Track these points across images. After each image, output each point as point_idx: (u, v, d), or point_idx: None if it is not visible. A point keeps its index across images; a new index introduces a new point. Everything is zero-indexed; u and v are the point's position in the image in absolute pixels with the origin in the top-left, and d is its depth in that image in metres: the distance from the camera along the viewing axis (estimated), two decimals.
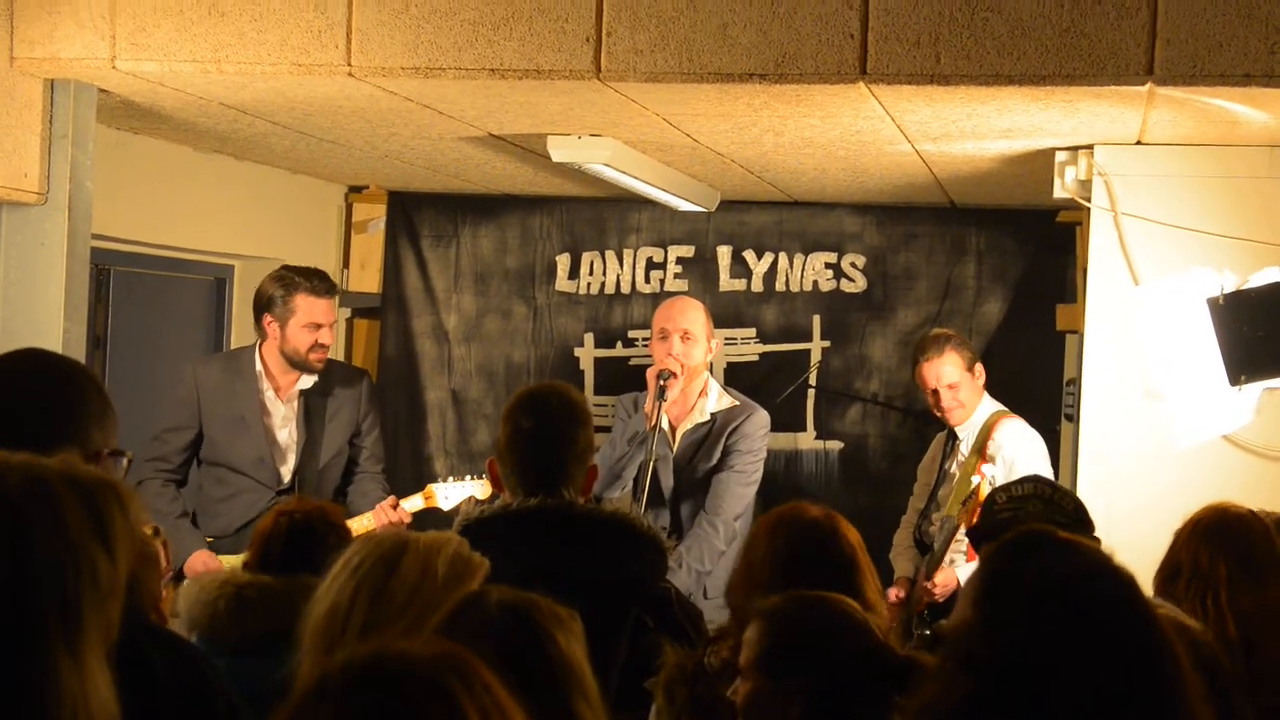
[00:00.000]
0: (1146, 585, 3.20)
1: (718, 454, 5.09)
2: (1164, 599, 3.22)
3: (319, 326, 5.11)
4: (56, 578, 1.60)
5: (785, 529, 2.94)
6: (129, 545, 1.70)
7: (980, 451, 5.08)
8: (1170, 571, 3.31)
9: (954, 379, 5.18)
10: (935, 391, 5.22)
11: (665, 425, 5.10)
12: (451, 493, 5.17)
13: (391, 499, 5.05)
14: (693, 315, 5.18)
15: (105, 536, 1.66)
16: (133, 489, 1.82)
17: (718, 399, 5.18)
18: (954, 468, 5.23)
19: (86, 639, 1.61)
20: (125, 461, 2.32)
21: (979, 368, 5.26)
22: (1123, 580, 1.97)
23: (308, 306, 5.09)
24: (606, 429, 6.65)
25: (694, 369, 5.12)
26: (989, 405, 5.26)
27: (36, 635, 1.57)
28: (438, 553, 2.37)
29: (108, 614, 1.64)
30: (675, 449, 5.13)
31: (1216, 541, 3.27)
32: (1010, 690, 1.85)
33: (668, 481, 5.11)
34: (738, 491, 5.02)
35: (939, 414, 5.29)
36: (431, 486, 5.19)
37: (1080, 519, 3.37)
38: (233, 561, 4.82)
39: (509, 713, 1.48)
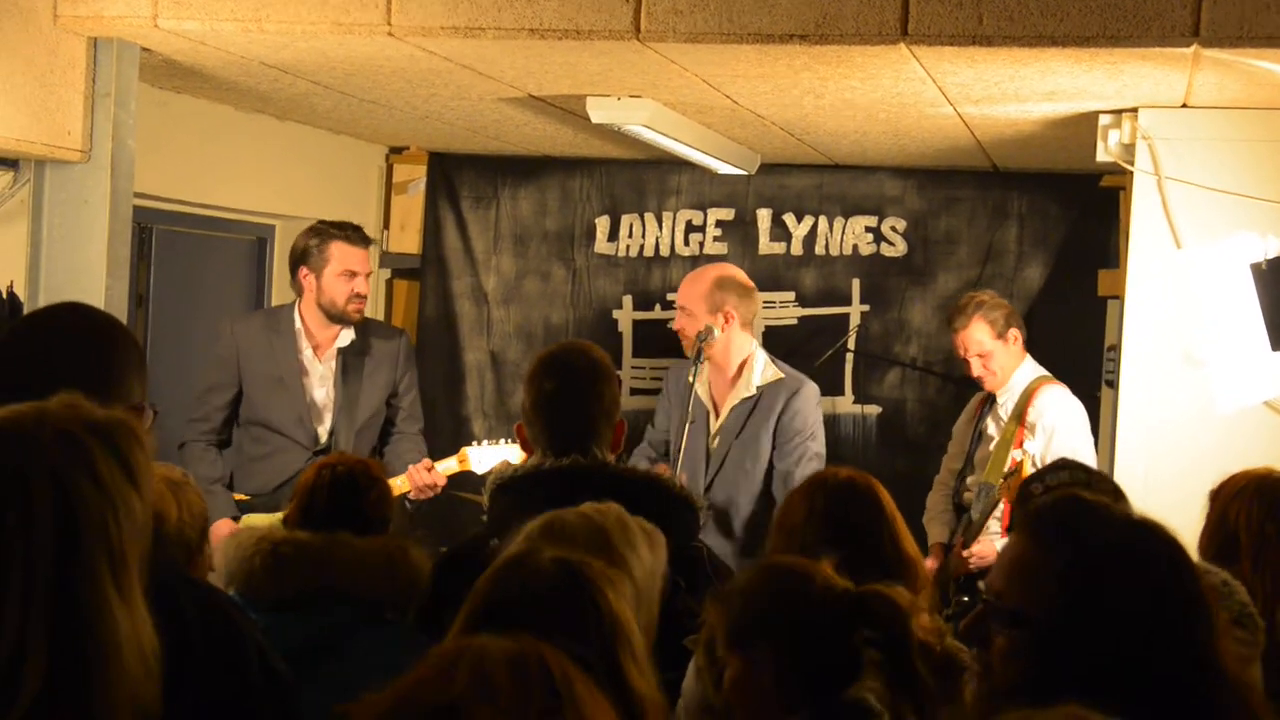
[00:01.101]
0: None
1: (764, 431, 5.01)
2: (1217, 565, 3.16)
3: (354, 275, 5.10)
4: (101, 526, 1.65)
5: (822, 492, 2.95)
6: (150, 479, 1.76)
7: (1020, 418, 5.06)
8: (1222, 538, 3.22)
9: (984, 347, 5.16)
10: (967, 361, 5.22)
11: (705, 396, 5.08)
12: (486, 456, 5.15)
13: (426, 461, 5.06)
14: (687, 288, 5.14)
15: (133, 477, 1.71)
16: (144, 425, 1.86)
17: (763, 371, 5.11)
18: (992, 429, 5.21)
19: (131, 579, 1.67)
20: (153, 414, 2.34)
21: (1014, 332, 5.21)
22: (1173, 541, 1.97)
23: (342, 254, 5.09)
24: (643, 391, 6.69)
25: (689, 338, 5.06)
26: (1031, 369, 5.23)
27: (93, 584, 1.63)
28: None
29: (142, 550, 1.70)
30: (720, 422, 5.09)
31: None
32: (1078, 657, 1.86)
33: (702, 452, 5.09)
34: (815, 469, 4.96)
35: (978, 381, 5.28)
36: (465, 450, 5.17)
37: (1119, 499, 3.32)
38: (269, 520, 4.86)
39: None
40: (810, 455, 4.99)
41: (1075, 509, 2.01)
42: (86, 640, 1.61)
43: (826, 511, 2.91)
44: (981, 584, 2.02)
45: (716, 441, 5.08)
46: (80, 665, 1.60)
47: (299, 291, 5.19)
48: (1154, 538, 1.96)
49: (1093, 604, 1.88)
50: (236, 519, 4.97)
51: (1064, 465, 3.63)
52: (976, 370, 5.20)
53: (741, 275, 5.22)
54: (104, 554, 1.64)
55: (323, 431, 5.16)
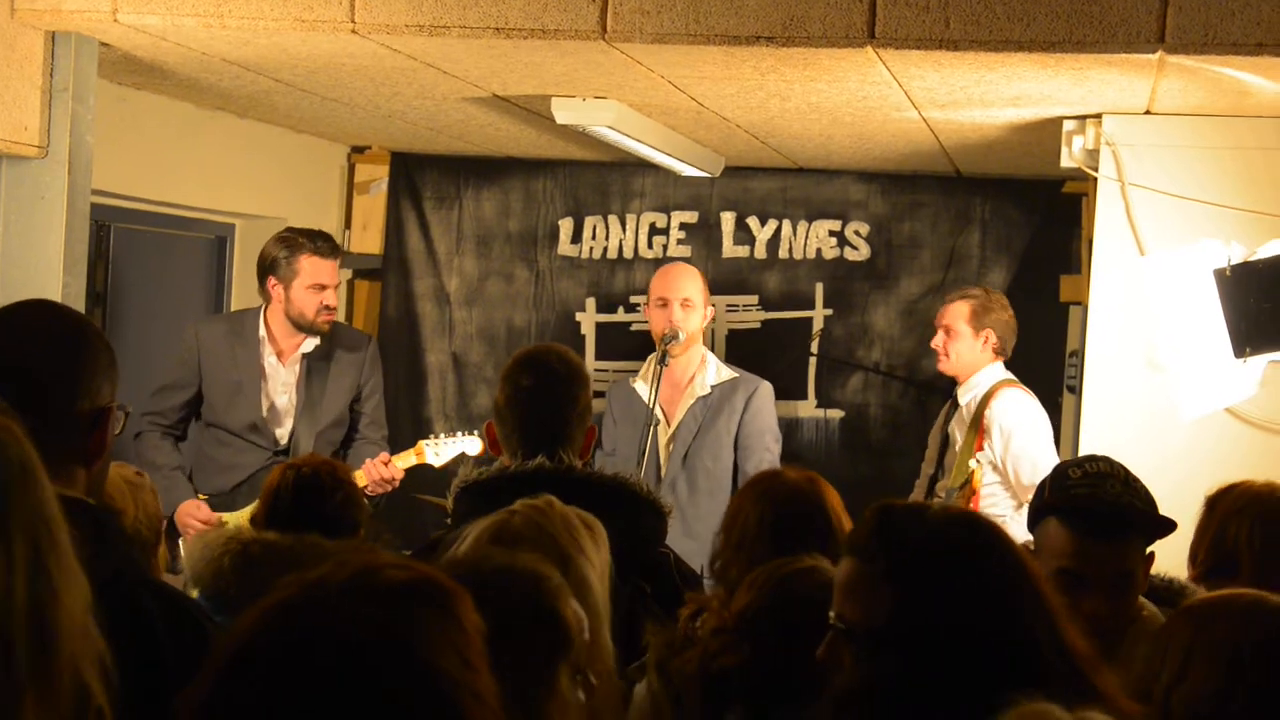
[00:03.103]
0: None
1: (724, 430, 5.06)
2: (1214, 579, 3.08)
3: (323, 288, 5.08)
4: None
5: (769, 496, 2.94)
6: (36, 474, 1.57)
7: (977, 424, 5.08)
8: (1221, 554, 3.14)
9: (955, 327, 5.25)
10: (936, 333, 5.29)
11: (661, 407, 5.09)
12: (442, 450, 5.14)
13: (384, 455, 5.03)
14: (691, 282, 5.17)
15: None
16: (115, 427, 1.79)
17: (716, 372, 5.16)
18: (956, 433, 5.23)
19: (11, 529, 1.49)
20: (124, 415, 2.31)
21: (989, 334, 5.24)
22: None
23: (312, 267, 5.06)
24: (601, 394, 6.68)
25: (691, 335, 5.11)
26: (996, 373, 5.25)
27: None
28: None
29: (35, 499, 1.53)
30: (674, 424, 5.12)
31: None
32: None
33: (663, 456, 5.10)
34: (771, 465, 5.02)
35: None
36: (421, 443, 5.16)
37: (1153, 504, 3.21)
38: (234, 518, 4.82)
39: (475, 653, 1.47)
40: (773, 457, 5.05)
41: (886, 519, 2.06)
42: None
43: (773, 516, 2.89)
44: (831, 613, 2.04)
45: (673, 446, 5.10)
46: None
47: (266, 299, 5.15)
48: (965, 529, 2.02)
49: (920, 604, 1.92)
50: (199, 498, 4.94)
51: (1100, 457, 3.51)
52: (936, 342, 5.31)
53: None
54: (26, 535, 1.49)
55: (282, 435, 5.13)
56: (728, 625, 2.45)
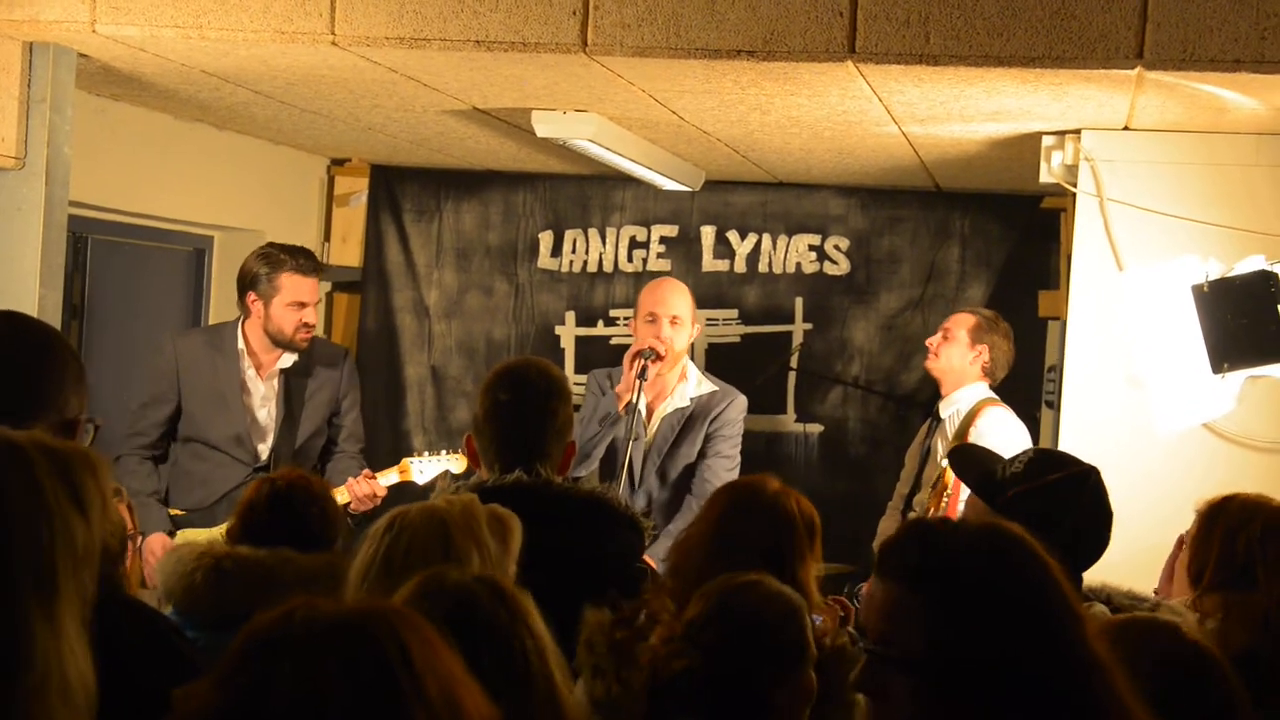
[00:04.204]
0: (1128, 575, 3.17)
1: (698, 438, 5.09)
2: (1222, 593, 3.05)
3: (304, 305, 5.07)
4: (32, 541, 1.56)
5: (745, 502, 2.97)
6: (101, 511, 1.67)
7: (962, 437, 5.08)
8: (1233, 569, 3.10)
9: (954, 332, 5.28)
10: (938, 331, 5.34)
11: (642, 407, 5.07)
12: (427, 467, 5.16)
13: (367, 471, 5.04)
14: (681, 300, 5.16)
15: (79, 501, 1.62)
16: (102, 456, 1.78)
17: (697, 384, 5.18)
18: (939, 445, 5.24)
19: (63, 605, 1.56)
20: (93, 429, 2.29)
21: (983, 352, 5.25)
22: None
23: (293, 285, 5.05)
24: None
25: (677, 354, 5.11)
26: (980, 391, 5.25)
27: (10, 599, 1.53)
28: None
29: (83, 580, 1.60)
30: (652, 432, 5.12)
31: None
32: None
33: (638, 463, 5.10)
34: (724, 476, 5.02)
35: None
36: (407, 460, 5.18)
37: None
38: (208, 534, 4.79)
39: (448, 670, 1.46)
40: (729, 453, 5.09)
41: (921, 538, 1.99)
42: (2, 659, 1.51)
43: (741, 521, 2.95)
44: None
45: (648, 456, 5.11)
46: None
47: (245, 314, 5.13)
48: (1006, 546, 1.96)
49: (967, 629, 1.87)
50: (171, 534, 4.90)
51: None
52: (932, 342, 5.33)
53: None
54: (29, 570, 1.54)
55: (263, 449, 5.12)
56: (677, 634, 2.47)
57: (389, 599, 2.03)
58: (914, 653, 1.88)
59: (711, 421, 5.11)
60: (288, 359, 5.14)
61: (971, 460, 3.32)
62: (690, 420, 5.11)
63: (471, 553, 2.39)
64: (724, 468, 5.09)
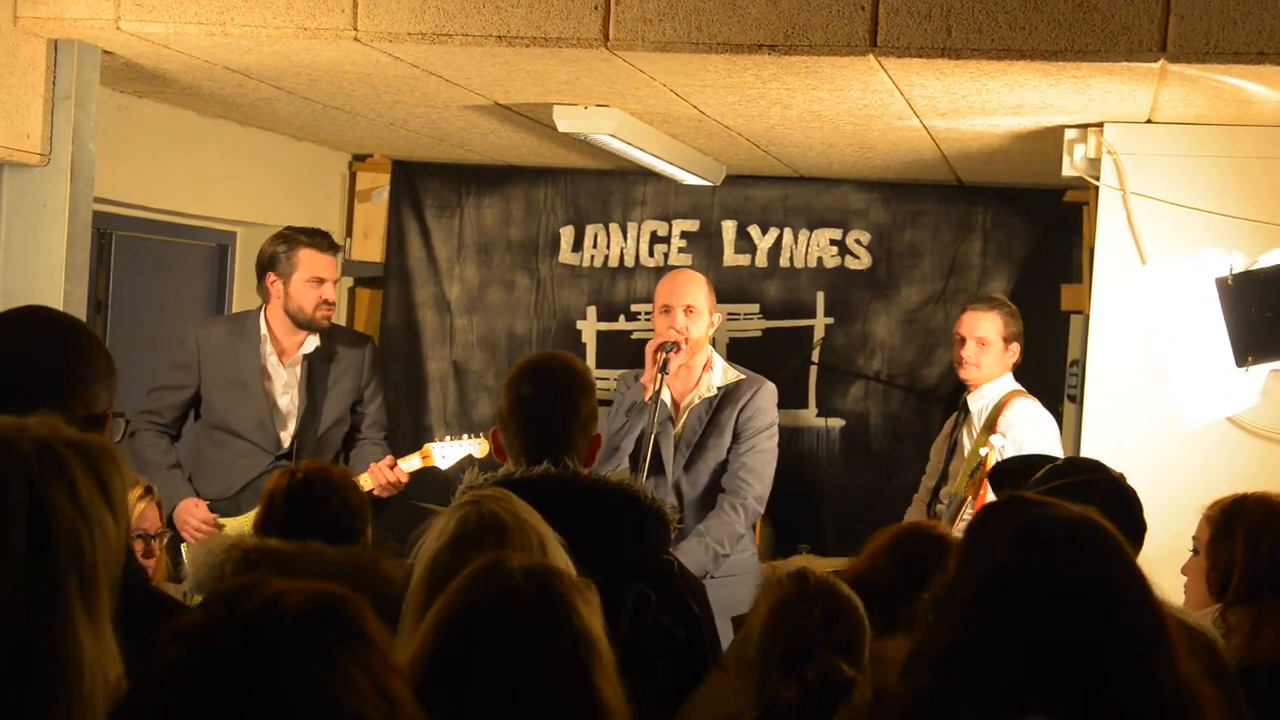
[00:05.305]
0: (1150, 569, 3.16)
1: (727, 429, 5.03)
2: (1247, 604, 3.01)
3: (322, 281, 5.08)
4: (75, 545, 1.57)
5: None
6: (125, 505, 1.69)
7: (990, 429, 5.07)
8: (1259, 574, 3.05)
9: (987, 337, 5.22)
10: (963, 340, 5.24)
11: (667, 399, 5.07)
12: (449, 452, 5.16)
13: (389, 459, 5.04)
14: (696, 289, 5.14)
15: (109, 499, 1.63)
16: (122, 450, 1.78)
17: (723, 373, 5.14)
18: (965, 439, 5.23)
19: (101, 605, 1.58)
20: (124, 424, 2.30)
21: (1015, 347, 5.25)
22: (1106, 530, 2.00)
23: (310, 261, 5.07)
24: (607, 403, 6.66)
25: (696, 342, 5.08)
26: (1008, 383, 5.25)
27: (61, 604, 1.54)
28: None
29: (115, 576, 1.62)
30: (680, 423, 5.10)
31: None
32: (991, 635, 1.86)
33: (668, 455, 5.08)
34: (761, 472, 4.97)
35: (957, 367, 5.30)
36: (429, 446, 5.18)
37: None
38: (234, 524, 4.81)
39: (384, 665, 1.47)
40: (764, 446, 5.02)
41: (1011, 514, 2.02)
42: (48, 663, 1.51)
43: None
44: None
45: (678, 448, 5.08)
46: (38, 689, 1.51)
47: (265, 298, 5.15)
48: (1089, 528, 1.99)
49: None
50: (214, 524, 4.93)
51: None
52: (968, 353, 5.23)
53: None
54: (75, 574, 1.55)
55: (285, 437, 5.13)
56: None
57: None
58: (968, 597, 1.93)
59: (741, 410, 5.06)
60: (310, 343, 5.14)
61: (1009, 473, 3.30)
62: (718, 410, 5.06)
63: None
64: (761, 463, 4.99)
